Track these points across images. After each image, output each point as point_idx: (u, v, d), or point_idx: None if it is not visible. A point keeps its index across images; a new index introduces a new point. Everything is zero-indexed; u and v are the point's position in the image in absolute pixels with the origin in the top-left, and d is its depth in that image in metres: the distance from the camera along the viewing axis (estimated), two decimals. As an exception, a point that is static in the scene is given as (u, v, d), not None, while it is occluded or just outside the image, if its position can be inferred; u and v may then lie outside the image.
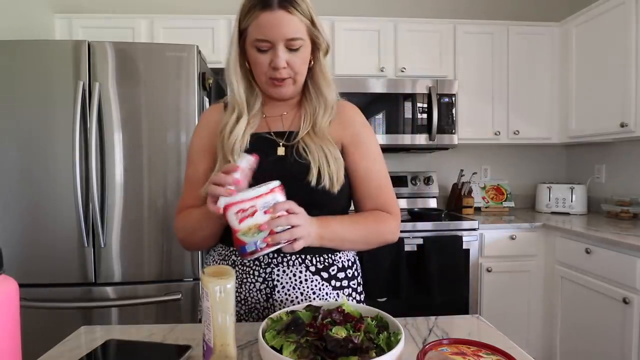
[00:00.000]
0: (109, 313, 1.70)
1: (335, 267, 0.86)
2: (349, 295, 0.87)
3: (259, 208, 0.65)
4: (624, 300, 1.62)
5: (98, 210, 1.65)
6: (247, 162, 0.70)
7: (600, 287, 1.77)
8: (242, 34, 0.82)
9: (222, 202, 0.66)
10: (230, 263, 0.85)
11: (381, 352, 0.52)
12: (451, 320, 0.77)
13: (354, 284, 0.90)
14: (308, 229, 0.70)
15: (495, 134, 2.48)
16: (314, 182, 0.78)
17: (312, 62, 0.85)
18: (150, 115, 1.70)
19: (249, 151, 0.82)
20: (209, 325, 0.55)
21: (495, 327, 0.75)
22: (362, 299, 0.92)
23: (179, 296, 1.70)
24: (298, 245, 0.68)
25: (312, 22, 0.80)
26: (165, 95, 1.71)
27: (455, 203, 2.59)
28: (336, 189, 0.81)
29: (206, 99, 1.88)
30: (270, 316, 0.62)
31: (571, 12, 2.45)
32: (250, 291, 0.82)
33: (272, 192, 0.66)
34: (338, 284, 0.86)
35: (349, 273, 0.89)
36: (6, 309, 0.47)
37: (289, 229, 0.66)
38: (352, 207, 0.93)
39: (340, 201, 0.86)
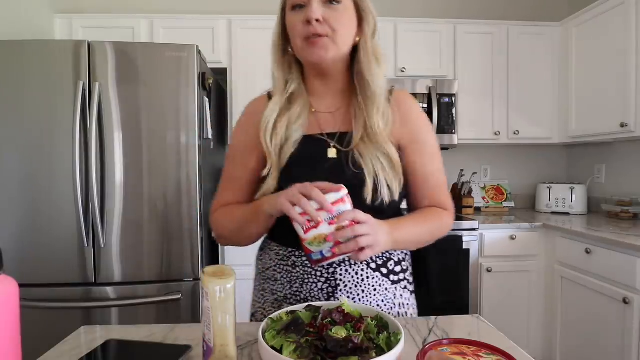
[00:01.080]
0: (109, 313, 1.70)
1: (392, 262, 0.85)
2: (405, 287, 0.87)
3: (323, 219, 0.65)
4: (624, 300, 1.62)
5: (98, 210, 1.65)
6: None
7: (600, 287, 1.77)
8: (283, 8, 0.81)
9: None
10: (290, 264, 0.82)
11: (381, 352, 0.52)
12: (451, 320, 0.77)
13: (408, 275, 0.89)
14: (376, 237, 0.67)
15: (495, 134, 2.48)
16: (369, 199, 0.75)
17: (359, 38, 0.80)
18: (150, 115, 1.70)
19: (299, 154, 0.79)
20: (209, 325, 0.55)
21: (495, 327, 0.75)
22: (413, 289, 0.91)
23: (179, 296, 1.70)
24: (365, 255, 0.66)
25: None
26: (165, 95, 1.71)
27: (455, 203, 2.58)
28: (396, 196, 0.79)
29: (206, 99, 1.88)
30: (270, 316, 0.61)
31: (571, 12, 2.45)
32: (312, 291, 0.80)
33: (337, 204, 0.65)
34: (395, 277, 0.85)
35: (404, 266, 0.88)
36: (6, 309, 0.47)
37: (355, 238, 0.65)
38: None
39: (398, 202, 0.84)
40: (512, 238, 2.16)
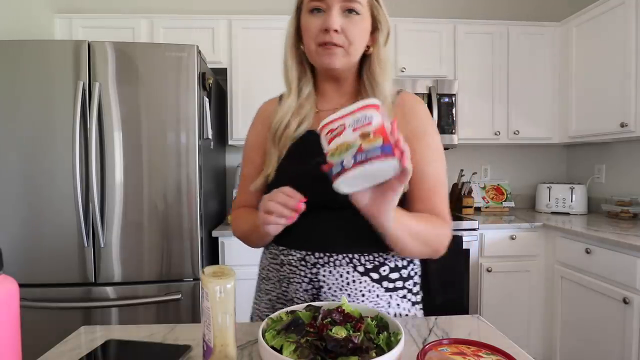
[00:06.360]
0: (109, 313, 1.70)
1: (386, 267, 0.79)
2: (404, 297, 0.82)
3: (347, 126, 0.56)
4: (624, 300, 1.62)
5: (98, 210, 1.65)
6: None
7: (600, 287, 1.77)
8: (299, 8, 0.80)
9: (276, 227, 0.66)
10: (278, 263, 0.82)
11: (381, 352, 0.52)
12: (451, 320, 0.77)
13: (410, 284, 0.83)
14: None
15: (495, 134, 2.48)
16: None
17: (371, 48, 0.80)
18: (150, 115, 1.70)
19: (298, 147, 0.80)
20: (209, 325, 0.55)
21: (495, 327, 0.75)
22: (419, 300, 0.86)
23: (179, 296, 1.70)
24: (409, 166, 0.56)
25: None
26: (165, 95, 1.71)
27: (455, 203, 2.59)
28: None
29: (206, 99, 1.88)
30: (270, 316, 0.61)
31: (571, 12, 2.45)
32: (297, 292, 0.78)
33: (364, 109, 0.56)
34: (391, 285, 0.80)
35: (404, 273, 0.82)
36: (6, 309, 0.47)
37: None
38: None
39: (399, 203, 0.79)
40: (512, 238, 2.16)
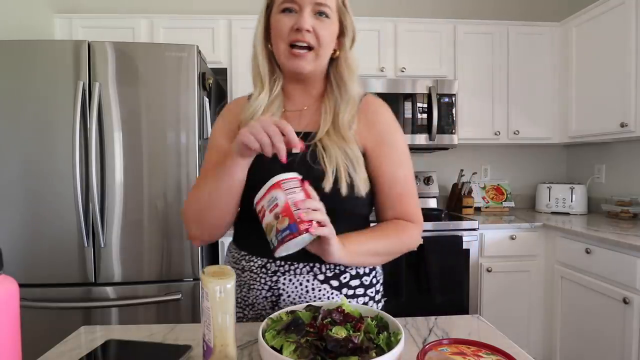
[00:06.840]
0: (109, 313, 1.70)
1: (347, 275, 0.80)
2: (365, 304, 0.82)
3: (265, 207, 0.61)
4: (624, 300, 1.62)
5: (98, 210, 1.65)
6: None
7: (600, 287, 1.77)
8: (269, 7, 0.80)
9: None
10: (240, 268, 0.82)
11: (381, 352, 0.52)
12: (451, 320, 0.77)
13: (372, 292, 0.84)
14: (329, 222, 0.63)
15: (495, 134, 2.48)
16: (328, 188, 0.73)
17: (337, 51, 0.82)
18: (150, 115, 1.70)
19: None
20: (209, 325, 0.55)
21: (495, 327, 0.75)
22: (380, 308, 0.87)
23: (179, 296, 1.70)
24: (321, 231, 0.60)
25: (343, 2, 0.80)
26: (165, 95, 1.71)
27: (455, 203, 2.59)
28: (361, 192, 0.76)
29: (206, 99, 1.88)
30: (270, 316, 0.61)
31: (571, 12, 2.45)
32: (257, 298, 0.79)
33: (271, 190, 0.61)
34: (351, 292, 0.81)
35: (366, 280, 0.83)
36: (6, 309, 0.47)
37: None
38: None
39: (362, 208, 0.82)
40: (512, 238, 2.16)
